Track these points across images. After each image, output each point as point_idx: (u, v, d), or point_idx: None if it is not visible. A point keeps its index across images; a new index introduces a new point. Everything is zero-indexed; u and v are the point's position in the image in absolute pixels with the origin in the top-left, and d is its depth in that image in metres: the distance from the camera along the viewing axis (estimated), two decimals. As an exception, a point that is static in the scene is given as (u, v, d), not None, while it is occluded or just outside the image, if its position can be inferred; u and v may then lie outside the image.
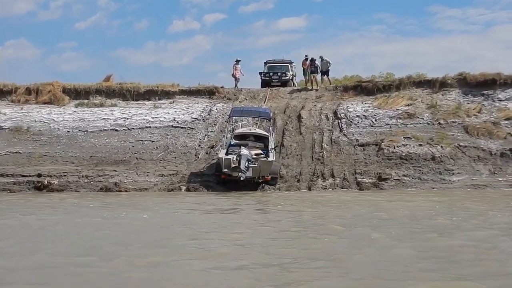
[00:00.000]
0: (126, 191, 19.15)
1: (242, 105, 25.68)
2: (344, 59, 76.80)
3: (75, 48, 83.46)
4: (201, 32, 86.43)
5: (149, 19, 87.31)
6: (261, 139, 20.74)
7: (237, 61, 30.03)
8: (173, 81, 29.78)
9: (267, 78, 30.72)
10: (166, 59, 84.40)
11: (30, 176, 20.18)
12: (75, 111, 26.68)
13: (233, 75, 29.89)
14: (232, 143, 20.07)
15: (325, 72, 29.00)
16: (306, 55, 29.19)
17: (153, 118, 25.58)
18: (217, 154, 21.40)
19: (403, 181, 19.66)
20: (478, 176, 19.94)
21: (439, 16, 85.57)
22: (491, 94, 24.96)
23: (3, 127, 24.84)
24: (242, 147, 19.02)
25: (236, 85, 29.62)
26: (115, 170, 20.74)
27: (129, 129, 24.69)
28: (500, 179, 19.76)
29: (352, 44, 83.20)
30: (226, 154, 19.01)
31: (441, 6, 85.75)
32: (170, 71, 79.55)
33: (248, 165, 18.38)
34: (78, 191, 19.32)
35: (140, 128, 24.71)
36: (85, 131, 24.62)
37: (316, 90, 27.40)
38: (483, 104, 24.40)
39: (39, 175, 20.14)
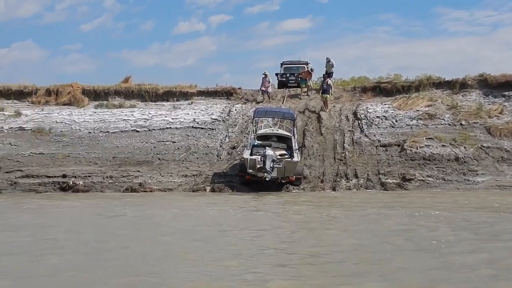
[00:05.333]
0: (151, 191, 19.23)
1: (260, 106, 25.66)
2: (348, 61, 76.58)
3: (80, 50, 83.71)
4: (206, 33, 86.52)
5: (154, 21, 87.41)
6: (284, 140, 20.74)
7: (265, 75, 27.90)
8: (176, 82, 29.92)
9: (284, 79, 30.69)
10: (170, 60, 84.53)
11: (55, 177, 20.32)
12: (95, 112, 26.83)
13: (263, 90, 27.83)
14: (255, 143, 20.09)
15: (329, 75, 27.91)
16: (307, 67, 29.37)
17: (173, 119, 25.68)
18: (239, 154, 21.50)
19: (427, 181, 19.63)
20: (503, 177, 19.87)
21: (445, 18, 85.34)
22: (512, 95, 24.93)
23: (25, 128, 24.99)
24: (266, 147, 19.04)
25: (265, 100, 27.69)
26: (139, 171, 20.83)
27: (149, 130, 24.79)
28: (525, 179, 19.74)
29: (356, 45, 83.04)
30: (251, 154, 19.02)
31: (447, 7, 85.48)
32: (174, 72, 79.56)
33: (273, 165, 18.40)
34: (103, 192, 19.41)
35: (160, 129, 24.81)
36: (106, 132, 24.74)
37: (326, 111, 25.40)
38: (504, 105, 24.36)
39: (64, 176, 20.29)
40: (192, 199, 17.67)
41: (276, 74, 31.14)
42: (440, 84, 26.71)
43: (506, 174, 20.03)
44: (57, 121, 25.76)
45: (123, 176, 20.37)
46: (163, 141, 23.70)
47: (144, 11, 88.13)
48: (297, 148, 20.19)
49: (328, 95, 25.79)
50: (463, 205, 15.34)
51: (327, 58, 28.45)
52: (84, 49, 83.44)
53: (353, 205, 15.80)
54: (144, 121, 25.54)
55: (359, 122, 24.11)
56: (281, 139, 20.82)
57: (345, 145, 22.38)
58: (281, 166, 18.56)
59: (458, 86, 26.12)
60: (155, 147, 23.17)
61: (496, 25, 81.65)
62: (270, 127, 22.36)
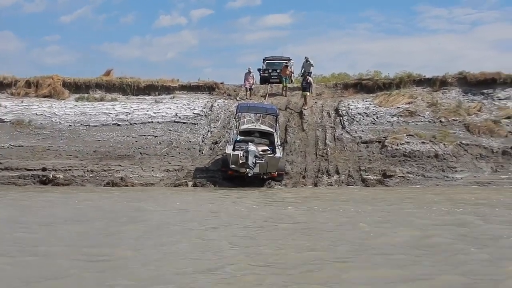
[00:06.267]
0: (132, 185, 19.19)
1: (243, 101, 25.70)
2: (329, 56, 77.14)
3: (60, 42, 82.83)
4: (187, 27, 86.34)
5: (135, 14, 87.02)
6: (266, 136, 20.81)
7: (249, 71, 27.79)
8: (158, 76, 29.80)
9: (266, 75, 30.72)
10: (151, 54, 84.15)
11: (34, 170, 20.16)
12: (76, 105, 26.61)
13: (246, 86, 27.52)
14: (238, 139, 20.13)
15: (308, 74, 27.68)
16: (286, 62, 29.31)
17: (155, 113, 25.57)
18: (221, 150, 21.53)
19: (408, 178, 19.85)
20: (481, 173, 20.20)
21: (425, 15, 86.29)
22: (491, 93, 25.34)
23: (5, 120, 24.73)
24: (249, 143, 19.09)
25: (248, 96, 27.47)
26: (120, 165, 20.75)
27: (131, 123, 24.67)
28: (503, 176, 20.03)
29: (337, 41, 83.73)
30: (233, 150, 19.05)
31: (427, 5, 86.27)
32: (156, 66, 79.27)
33: (255, 161, 18.48)
34: (84, 186, 19.30)
35: (142, 123, 24.70)
36: (87, 125, 24.57)
37: (305, 109, 25.36)
38: (483, 103, 24.74)
39: (43, 169, 20.13)
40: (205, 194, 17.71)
41: (259, 70, 31.18)
42: (421, 82, 27.03)
43: (484, 170, 20.37)
44: (37, 113, 25.51)
45: (104, 170, 20.29)
46: (145, 136, 23.62)
47: (125, 4, 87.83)
48: (279, 144, 20.30)
49: (308, 93, 25.83)
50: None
51: (305, 58, 28.44)
52: (64, 40, 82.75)
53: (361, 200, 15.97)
54: (126, 115, 25.40)
55: (341, 118, 24.26)
56: (264, 135, 20.89)
57: (326, 141, 22.51)
58: (263, 161, 18.64)
59: (438, 83, 26.45)
60: (136, 141, 23.08)
61: (475, 23, 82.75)
62: (253, 122, 22.42)
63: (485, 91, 25.55)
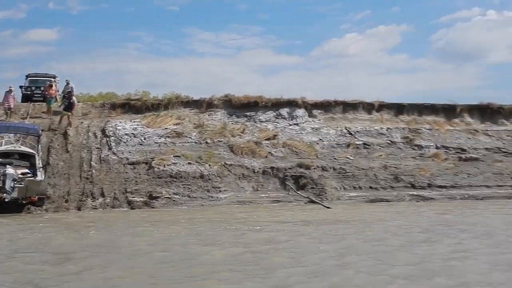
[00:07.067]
0: None
1: (1, 121, 23.92)
2: (96, 75, 75.96)
3: None
4: None
5: None
6: (27, 157, 19.52)
7: (11, 89, 25.72)
8: None
9: (29, 92, 29.04)
10: None
11: None
12: None
13: (5, 106, 25.17)
14: (-5, 161, 18.59)
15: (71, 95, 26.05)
16: (49, 82, 28.26)
17: None
18: (-25, 173, 19.68)
19: (174, 199, 20.14)
20: (243, 193, 21.32)
21: (193, 38, 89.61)
22: (253, 115, 26.92)
23: None
24: (7, 165, 17.72)
25: (8, 116, 25.18)
26: None
27: None
28: (262, 195, 21.39)
29: (106, 60, 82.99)
30: (-12, 173, 17.53)
31: (196, 28, 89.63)
32: None
33: (13, 185, 17.16)
34: None
35: None
36: None
37: (69, 129, 24.13)
38: (246, 125, 26.14)
39: None
40: None
41: (21, 87, 29.38)
42: (188, 103, 27.67)
43: (246, 190, 21.52)
44: None
45: None
46: None
47: None
48: (41, 166, 19.20)
49: (69, 113, 24.79)
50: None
51: (66, 81, 27.67)
52: None
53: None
54: None
55: (108, 139, 23.72)
56: (24, 156, 19.54)
57: (92, 163, 21.83)
58: (22, 185, 17.39)
59: (205, 105, 27.34)
60: None
61: (239, 48, 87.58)
62: (12, 143, 20.87)
63: (248, 113, 27.07)
